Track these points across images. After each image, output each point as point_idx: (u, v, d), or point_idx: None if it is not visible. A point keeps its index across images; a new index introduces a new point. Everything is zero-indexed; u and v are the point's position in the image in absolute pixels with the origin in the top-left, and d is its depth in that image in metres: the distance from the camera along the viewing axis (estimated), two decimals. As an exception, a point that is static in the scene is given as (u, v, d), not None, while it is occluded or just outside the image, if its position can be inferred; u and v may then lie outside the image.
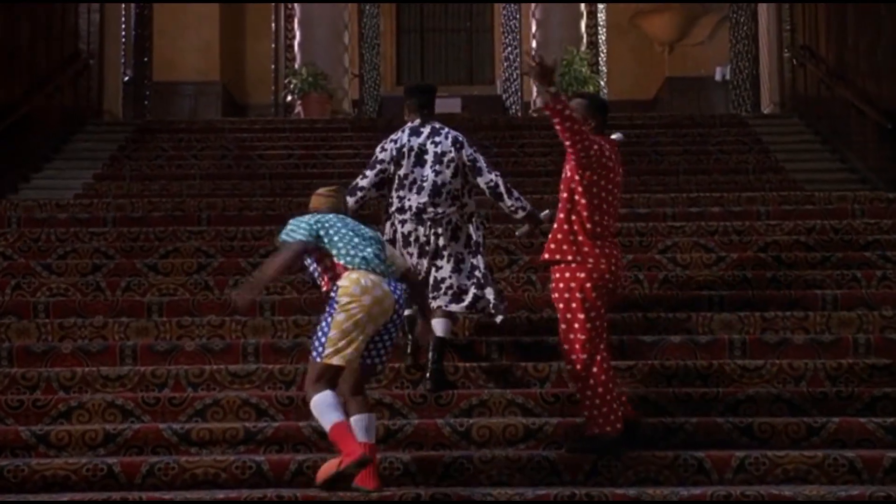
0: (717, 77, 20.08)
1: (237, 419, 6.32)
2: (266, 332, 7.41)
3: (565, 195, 5.71)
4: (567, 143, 5.59)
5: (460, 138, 6.82)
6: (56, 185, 12.09)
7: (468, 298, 6.62)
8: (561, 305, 5.65)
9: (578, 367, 5.61)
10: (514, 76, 20.09)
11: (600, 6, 20.76)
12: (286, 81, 17.83)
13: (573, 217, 5.68)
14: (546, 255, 5.74)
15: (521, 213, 6.77)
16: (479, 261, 6.72)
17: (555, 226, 5.74)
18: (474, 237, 6.77)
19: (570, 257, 5.64)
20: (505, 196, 6.74)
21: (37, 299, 8.03)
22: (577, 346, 5.61)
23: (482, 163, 6.78)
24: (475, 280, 6.66)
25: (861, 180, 12.00)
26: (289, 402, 6.39)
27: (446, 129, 6.87)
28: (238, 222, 9.72)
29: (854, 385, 6.61)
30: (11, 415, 6.37)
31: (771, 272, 8.28)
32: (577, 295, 5.62)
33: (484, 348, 7.10)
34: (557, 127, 5.54)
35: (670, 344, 7.10)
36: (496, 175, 6.76)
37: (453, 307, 6.63)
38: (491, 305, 6.67)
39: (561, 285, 5.66)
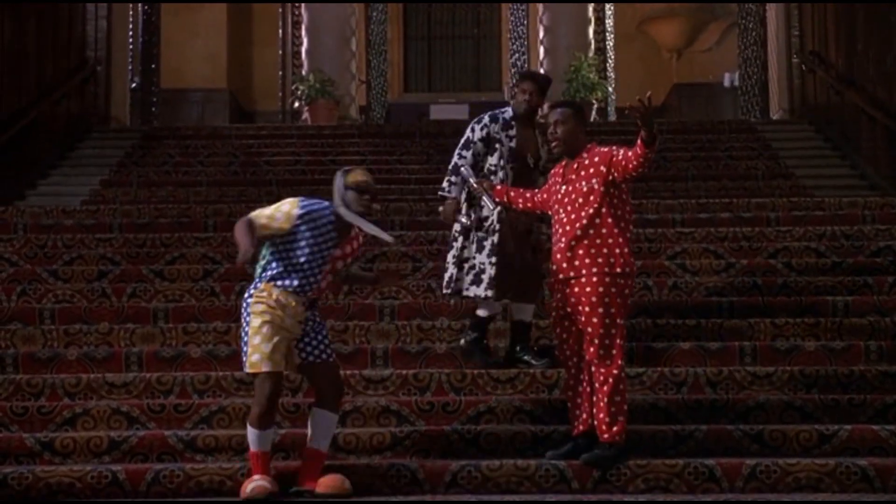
0: (726, 83, 20.04)
1: (243, 426, 6.23)
2: (272, 338, 7.36)
3: (604, 210, 5.57)
4: (641, 169, 5.53)
5: (477, 118, 6.86)
6: (63, 192, 12.10)
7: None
8: (600, 310, 5.54)
9: (616, 371, 5.54)
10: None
11: (608, 13, 20.73)
12: (293, 88, 17.83)
13: (616, 231, 5.60)
14: (596, 269, 5.55)
15: (440, 193, 6.77)
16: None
17: (596, 241, 5.57)
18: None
19: (618, 269, 5.57)
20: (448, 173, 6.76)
21: (42, 305, 8.01)
22: (614, 352, 5.55)
23: (462, 142, 6.78)
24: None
25: (871, 186, 11.96)
26: (295, 409, 6.35)
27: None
28: (245, 228, 9.67)
29: (866, 392, 6.54)
30: (16, 422, 6.33)
31: (781, 278, 8.23)
32: (618, 300, 5.58)
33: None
34: (645, 160, 5.48)
35: (680, 350, 7.05)
36: (457, 157, 6.71)
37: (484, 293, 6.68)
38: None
39: (601, 290, 5.54)
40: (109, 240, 9.48)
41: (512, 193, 6.16)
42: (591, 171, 5.65)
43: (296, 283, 5.38)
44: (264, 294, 5.39)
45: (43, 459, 5.95)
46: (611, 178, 5.61)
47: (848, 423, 6.13)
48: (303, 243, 5.37)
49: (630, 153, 5.55)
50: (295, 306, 5.40)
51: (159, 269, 8.70)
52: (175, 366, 7.00)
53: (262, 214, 5.41)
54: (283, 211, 5.39)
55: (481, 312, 6.86)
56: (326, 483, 5.36)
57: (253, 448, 5.40)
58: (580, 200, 5.63)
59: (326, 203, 5.49)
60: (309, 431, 5.46)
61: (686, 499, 5.39)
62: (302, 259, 5.36)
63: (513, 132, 6.74)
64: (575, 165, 5.73)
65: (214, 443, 6.00)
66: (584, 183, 5.64)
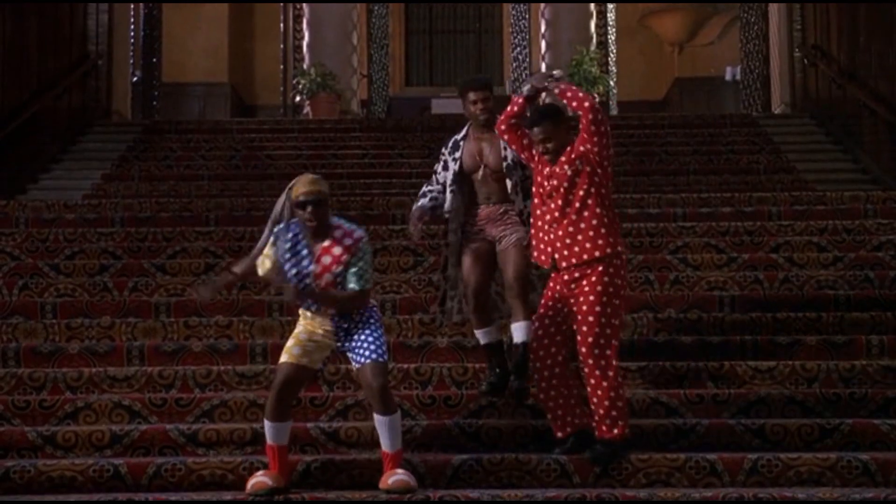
0: (728, 77, 20.04)
1: (245, 420, 6.27)
2: (274, 332, 7.37)
3: (593, 190, 5.53)
4: (603, 140, 5.54)
5: None
6: (64, 186, 12.11)
7: None
8: (604, 299, 5.46)
9: (611, 373, 5.49)
10: (524, 77, 20.05)
11: (610, 7, 20.72)
12: (295, 82, 17.83)
13: (599, 210, 5.54)
14: (598, 252, 5.46)
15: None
16: None
17: (592, 222, 5.51)
18: None
19: (617, 248, 5.51)
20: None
21: (44, 300, 8.01)
22: (608, 352, 5.49)
23: None
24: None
25: (873, 180, 11.95)
26: (297, 403, 6.34)
27: None
28: (246, 223, 9.69)
29: (867, 386, 6.54)
30: (18, 415, 6.33)
31: (783, 273, 8.23)
32: (617, 281, 5.52)
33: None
34: (600, 126, 5.50)
35: (681, 344, 7.04)
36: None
37: None
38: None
39: (605, 278, 5.48)
40: (111, 234, 9.49)
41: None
42: (573, 155, 5.62)
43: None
44: (300, 314, 5.63)
45: (45, 453, 5.95)
46: (589, 148, 5.57)
47: (849, 417, 6.13)
48: (287, 265, 5.46)
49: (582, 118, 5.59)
50: (319, 321, 5.51)
51: (161, 263, 8.70)
52: (176, 360, 7.00)
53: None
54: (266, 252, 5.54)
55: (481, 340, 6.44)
56: (382, 479, 5.40)
57: (267, 440, 5.45)
58: (565, 185, 5.58)
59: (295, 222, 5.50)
60: None
61: (687, 493, 5.39)
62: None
63: (458, 153, 6.33)
64: (562, 158, 5.70)
65: (216, 437, 6.01)
66: (567, 167, 5.60)
